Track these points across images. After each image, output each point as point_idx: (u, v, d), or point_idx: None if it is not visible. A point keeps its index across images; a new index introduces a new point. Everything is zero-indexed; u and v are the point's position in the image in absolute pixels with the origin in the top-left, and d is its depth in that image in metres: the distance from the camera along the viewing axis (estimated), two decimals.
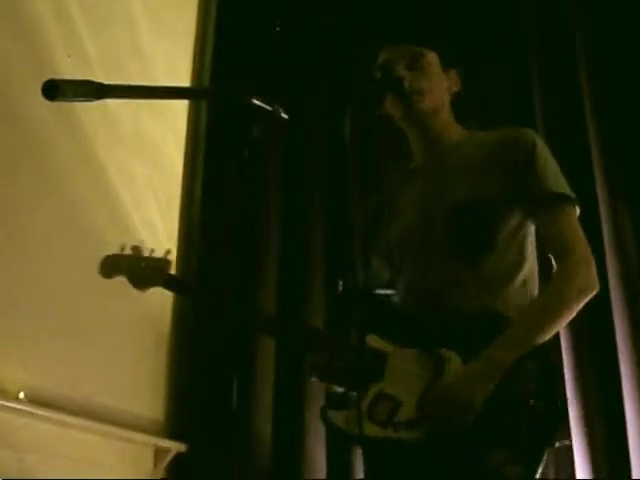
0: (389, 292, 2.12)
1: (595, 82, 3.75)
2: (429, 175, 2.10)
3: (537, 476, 1.78)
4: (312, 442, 3.84)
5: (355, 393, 1.91)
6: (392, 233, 2.13)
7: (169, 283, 2.26)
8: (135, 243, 2.34)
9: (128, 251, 2.33)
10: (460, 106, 2.17)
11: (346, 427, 1.89)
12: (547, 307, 1.92)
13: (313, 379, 2.01)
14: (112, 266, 2.34)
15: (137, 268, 2.29)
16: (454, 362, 1.87)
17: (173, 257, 2.32)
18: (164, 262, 2.29)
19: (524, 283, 1.99)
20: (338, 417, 1.92)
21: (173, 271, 2.29)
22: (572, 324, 2.01)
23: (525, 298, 1.98)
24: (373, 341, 1.96)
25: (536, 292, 2.02)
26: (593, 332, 3.42)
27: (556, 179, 2.00)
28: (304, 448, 3.83)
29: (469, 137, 2.14)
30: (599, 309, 3.25)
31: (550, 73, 3.97)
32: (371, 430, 1.85)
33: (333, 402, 1.97)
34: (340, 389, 1.98)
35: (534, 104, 3.94)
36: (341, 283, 2.19)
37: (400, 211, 2.13)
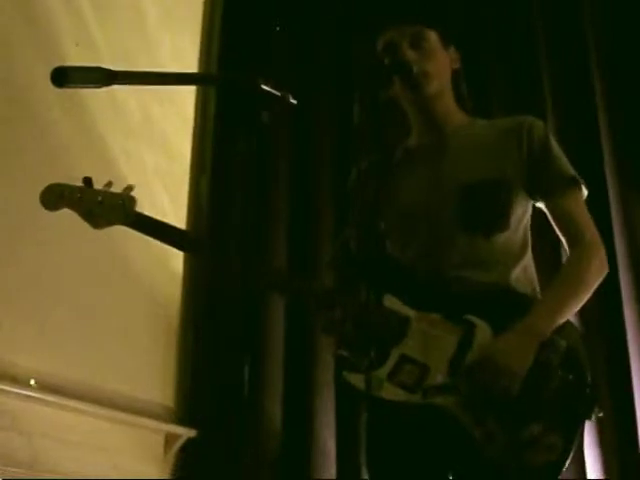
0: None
1: (606, 68, 3.72)
2: (435, 154, 2.10)
3: (574, 448, 1.80)
4: (322, 427, 3.84)
5: (373, 355, 1.87)
6: (393, 210, 2.10)
7: (137, 223, 2.04)
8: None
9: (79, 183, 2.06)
10: (459, 85, 2.17)
11: (368, 389, 1.83)
12: (572, 282, 1.95)
13: (325, 336, 1.95)
14: (57, 196, 2.06)
15: (91, 202, 2.04)
16: (482, 329, 1.87)
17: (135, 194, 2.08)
18: (126, 198, 2.06)
19: (526, 268, 2.03)
20: (356, 379, 1.87)
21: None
22: (581, 310, 2.03)
23: (529, 281, 2.02)
24: (390, 302, 1.93)
25: (535, 277, 2.05)
26: (603, 318, 3.41)
27: (568, 164, 2.05)
28: (314, 433, 3.83)
29: (473, 122, 2.17)
30: (608, 295, 3.25)
31: (559, 60, 3.93)
32: (396, 394, 1.83)
33: (348, 364, 1.91)
34: (346, 352, 1.92)
35: (544, 94, 3.90)
36: (354, 243, 2.11)
37: (402, 188, 2.10)
